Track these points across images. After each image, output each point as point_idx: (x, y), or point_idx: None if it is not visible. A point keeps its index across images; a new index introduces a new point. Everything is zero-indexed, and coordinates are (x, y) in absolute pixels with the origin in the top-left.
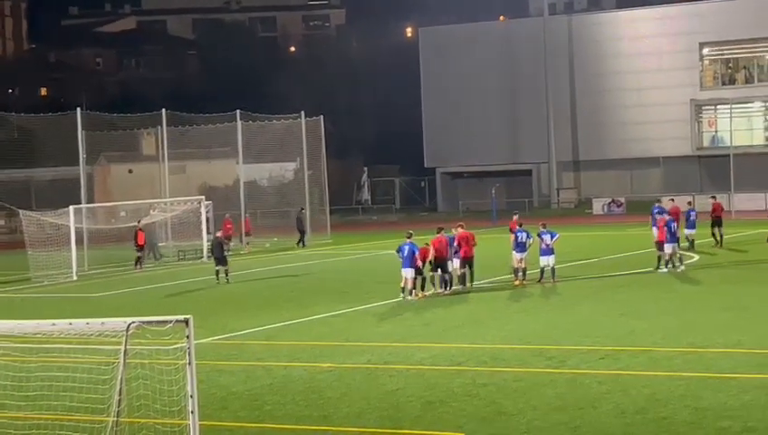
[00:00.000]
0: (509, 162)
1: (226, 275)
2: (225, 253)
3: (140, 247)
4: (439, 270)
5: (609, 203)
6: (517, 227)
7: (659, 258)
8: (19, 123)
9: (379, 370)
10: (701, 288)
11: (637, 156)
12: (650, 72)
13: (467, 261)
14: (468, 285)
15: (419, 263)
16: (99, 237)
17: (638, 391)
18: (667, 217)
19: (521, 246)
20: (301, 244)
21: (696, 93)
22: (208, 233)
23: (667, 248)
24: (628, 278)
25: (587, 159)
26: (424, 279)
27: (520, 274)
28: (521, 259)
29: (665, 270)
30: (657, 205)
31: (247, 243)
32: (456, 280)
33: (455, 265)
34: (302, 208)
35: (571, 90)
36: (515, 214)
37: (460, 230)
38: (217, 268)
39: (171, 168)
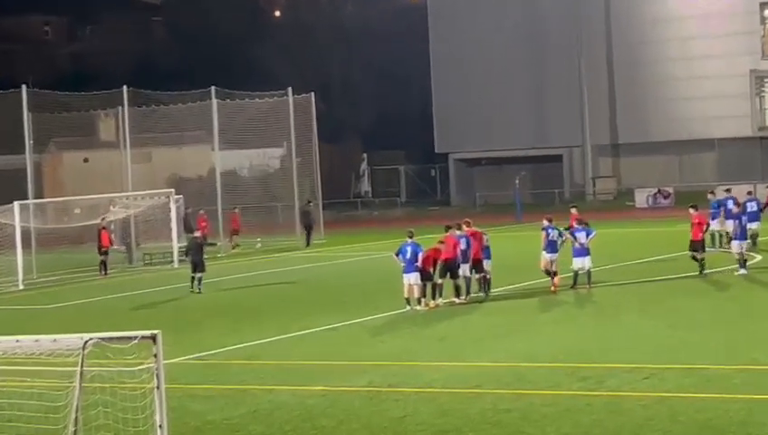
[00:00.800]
0: (535, 146)
1: (199, 283)
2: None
3: (104, 250)
4: (448, 275)
5: (655, 194)
6: (575, 225)
7: (700, 262)
8: None
9: (382, 393)
10: (764, 294)
11: (687, 138)
12: (702, 39)
13: (474, 264)
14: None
15: (428, 266)
16: (49, 239)
17: (690, 417)
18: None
19: (551, 246)
20: (306, 242)
21: (757, 63)
22: (188, 233)
23: (735, 247)
24: (677, 283)
25: (627, 142)
26: (435, 285)
27: (555, 278)
28: (551, 261)
29: (744, 271)
30: (730, 196)
31: (236, 244)
32: (474, 286)
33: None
34: (310, 201)
35: (609, 61)
36: (573, 207)
37: (465, 228)
38: (194, 275)
39: (134, 155)
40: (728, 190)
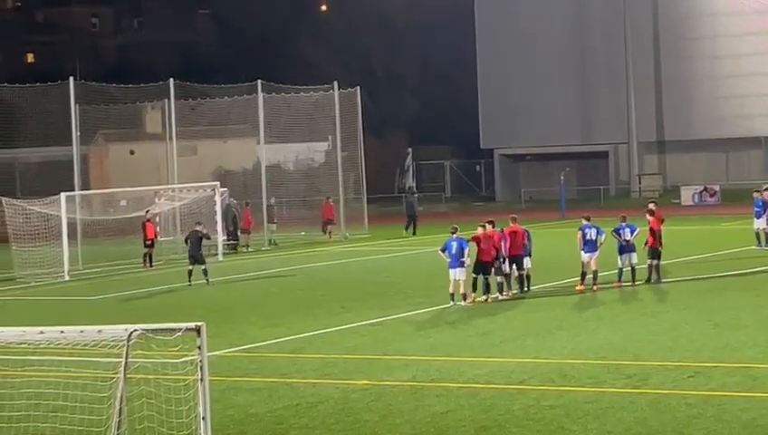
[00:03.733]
0: (581, 143)
1: (205, 275)
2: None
3: (149, 242)
4: (493, 271)
5: (701, 192)
6: (584, 222)
7: (651, 268)
8: (1, 95)
9: (425, 388)
10: None
11: (734, 135)
12: (750, 36)
13: (514, 260)
14: (526, 289)
15: (488, 258)
16: (95, 230)
17: (735, 416)
18: None
19: (590, 245)
20: (411, 230)
21: None
22: (231, 230)
23: None
24: (722, 281)
25: (674, 139)
26: (487, 281)
27: (588, 277)
28: (590, 260)
29: None
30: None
31: (343, 233)
32: (513, 282)
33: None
34: (414, 191)
35: (656, 56)
36: (652, 201)
37: (511, 224)
38: (191, 268)
39: (180, 148)
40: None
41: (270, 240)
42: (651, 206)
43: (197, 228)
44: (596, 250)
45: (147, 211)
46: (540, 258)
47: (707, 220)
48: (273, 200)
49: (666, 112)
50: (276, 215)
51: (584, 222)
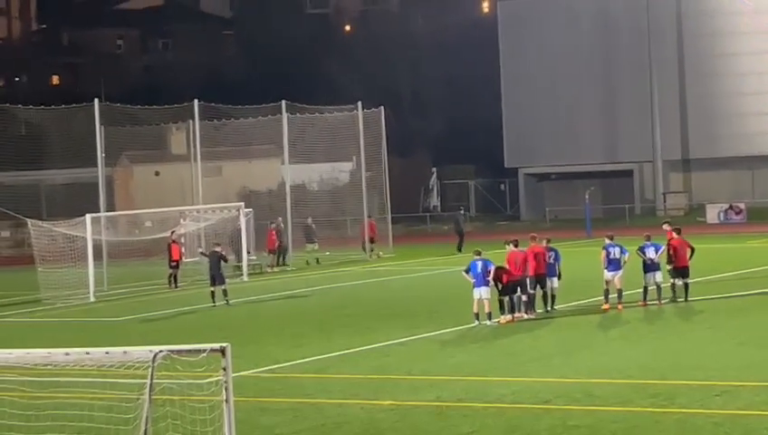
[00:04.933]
0: (605, 161)
1: (225, 295)
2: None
3: (174, 263)
4: (518, 290)
5: (727, 210)
6: (607, 241)
7: (674, 288)
8: (27, 117)
9: (450, 408)
10: None
11: (759, 153)
12: None
13: (538, 280)
14: (550, 308)
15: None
16: (120, 251)
17: None
18: None
19: (614, 264)
20: (458, 248)
21: None
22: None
23: None
24: (749, 300)
25: (699, 157)
26: (522, 298)
27: (613, 296)
28: (613, 278)
29: None
30: None
31: (376, 252)
32: (538, 302)
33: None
34: (461, 208)
35: (681, 74)
36: (666, 222)
37: (532, 244)
38: (213, 289)
39: (205, 169)
40: None
41: (315, 259)
42: (665, 226)
43: (216, 249)
44: (620, 269)
45: (172, 232)
46: (565, 277)
47: (733, 239)
48: (310, 220)
49: (690, 130)
50: (315, 234)
51: (608, 241)
